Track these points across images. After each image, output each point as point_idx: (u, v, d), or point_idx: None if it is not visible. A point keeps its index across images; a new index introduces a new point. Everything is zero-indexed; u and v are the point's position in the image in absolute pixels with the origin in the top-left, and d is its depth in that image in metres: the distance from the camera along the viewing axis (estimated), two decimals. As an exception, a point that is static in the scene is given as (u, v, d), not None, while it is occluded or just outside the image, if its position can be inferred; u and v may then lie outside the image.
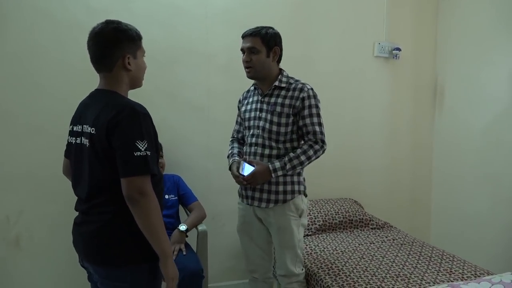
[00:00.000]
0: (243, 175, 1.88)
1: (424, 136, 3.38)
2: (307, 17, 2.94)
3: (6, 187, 2.39)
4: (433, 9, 3.30)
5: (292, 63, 2.84)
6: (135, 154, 1.26)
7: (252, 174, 1.86)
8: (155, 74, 2.57)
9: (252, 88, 2.10)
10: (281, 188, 1.92)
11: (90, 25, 1.42)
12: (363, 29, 3.10)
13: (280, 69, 2.02)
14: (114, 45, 1.39)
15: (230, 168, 2.01)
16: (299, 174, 1.98)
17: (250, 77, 1.98)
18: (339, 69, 3.06)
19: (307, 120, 1.91)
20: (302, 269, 2.04)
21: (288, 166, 1.87)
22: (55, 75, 2.42)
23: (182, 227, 2.25)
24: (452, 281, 1.96)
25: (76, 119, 1.46)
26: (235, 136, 2.20)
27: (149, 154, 1.29)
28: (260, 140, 1.95)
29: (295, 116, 1.93)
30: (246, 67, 1.95)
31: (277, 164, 1.86)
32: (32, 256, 2.45)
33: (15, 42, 2.35)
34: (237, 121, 2.21)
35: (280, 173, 1.87)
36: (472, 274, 2.06)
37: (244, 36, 1.96)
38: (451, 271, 2.11)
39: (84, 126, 1.40)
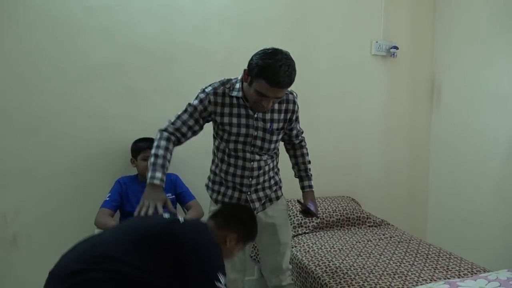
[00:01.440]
0: (316, 214, 1.97)
1: (421, 134, 3.39)
2: (304, 15, 2.94)
3: (3, 186, 2.38)
4: (430, 7, 3.30)
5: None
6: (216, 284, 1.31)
7: (316, 207, 1.98)
8: (152, 72, 2.57)
9: (230, 93, 1.75)
10: (273, 188, 1.98)
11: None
12: (361, 28, 3.10)
13: None
14: (238, 222, 1.58)
15: (149, 184, 1.59)
16: (279, 171, 2.03)
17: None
18: (336, 67, 3.06)
19: (298, 126, 1.98)
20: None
21: (311, 173, 2.06)
22: (52, 73, 2.40)
23: (180, 226, 2.25)
24: (449, 278, 1.97)
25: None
26: (173, 132, 1.76)
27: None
28: (257, 157, 1.84)
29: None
30: (260, 107, 1.68)
31: (312, 182, 2.05)
32: (29, 254, 2.44)
33: (11, 40, 2.33)
34: (188, 119, 1.78)
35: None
36: (468, 272, 2.08)
37: (279, 86, 1.57)
38: (448, 269, 2.12)
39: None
